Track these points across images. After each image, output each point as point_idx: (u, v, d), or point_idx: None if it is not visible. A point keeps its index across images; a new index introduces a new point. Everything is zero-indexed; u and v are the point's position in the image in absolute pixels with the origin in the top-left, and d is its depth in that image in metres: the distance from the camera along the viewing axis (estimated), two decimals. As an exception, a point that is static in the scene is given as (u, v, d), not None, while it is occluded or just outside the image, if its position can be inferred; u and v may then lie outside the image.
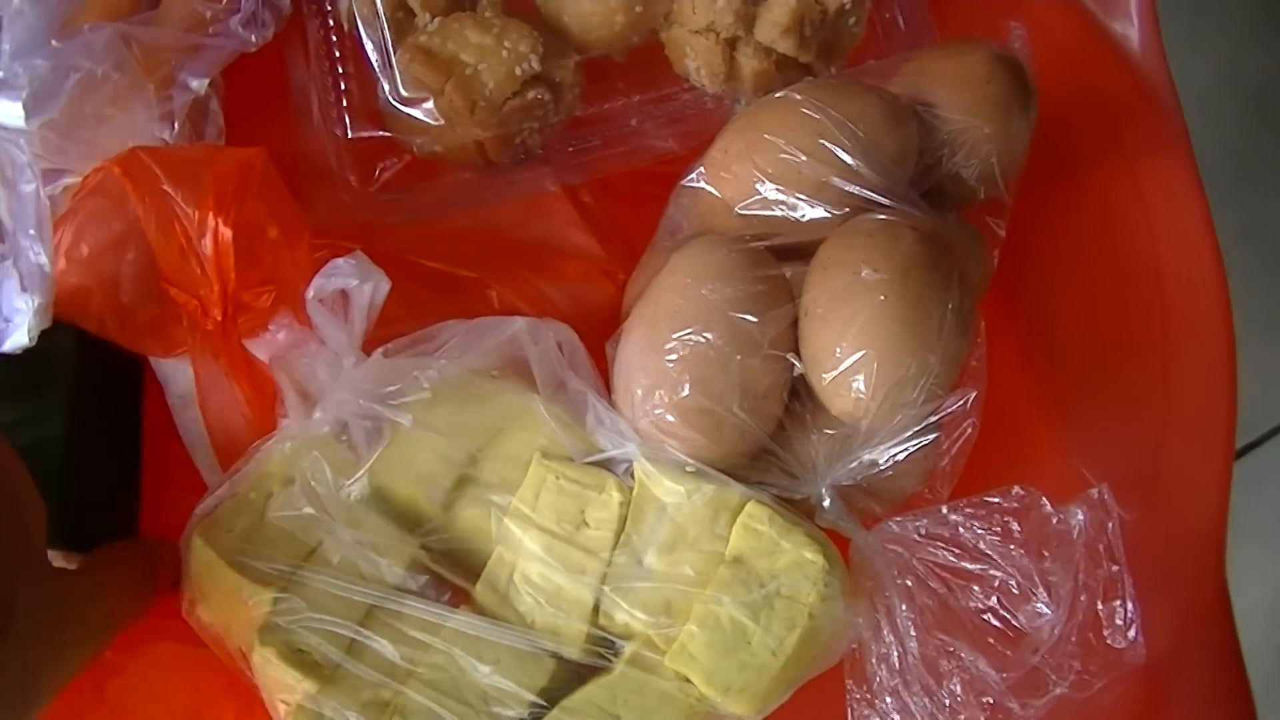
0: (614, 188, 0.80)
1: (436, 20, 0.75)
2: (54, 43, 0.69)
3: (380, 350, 0.68)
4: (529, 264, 0.77)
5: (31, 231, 0.65)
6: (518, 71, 0.74)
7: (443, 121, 0.74)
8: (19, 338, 0.64)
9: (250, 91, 0.77)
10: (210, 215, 0.65)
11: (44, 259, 0.65)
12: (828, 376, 0.62)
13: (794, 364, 0.64)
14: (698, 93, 0.79)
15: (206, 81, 0.73)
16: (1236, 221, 1.54)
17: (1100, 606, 0.64)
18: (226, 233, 0.65)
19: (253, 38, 0.75)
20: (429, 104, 0.74)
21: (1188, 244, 0.84)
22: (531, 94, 0.75)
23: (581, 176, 0.79)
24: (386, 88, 0.74)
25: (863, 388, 0.61)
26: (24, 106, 0.67)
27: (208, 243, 0.65)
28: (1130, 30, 0.87)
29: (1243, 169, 1.56)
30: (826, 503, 0.65)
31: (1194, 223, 0.84)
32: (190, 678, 0.68)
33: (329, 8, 0.78)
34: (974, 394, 0.65)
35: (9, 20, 0.69)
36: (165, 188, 0.66)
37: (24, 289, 0.65)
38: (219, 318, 0.67)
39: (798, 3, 0.74)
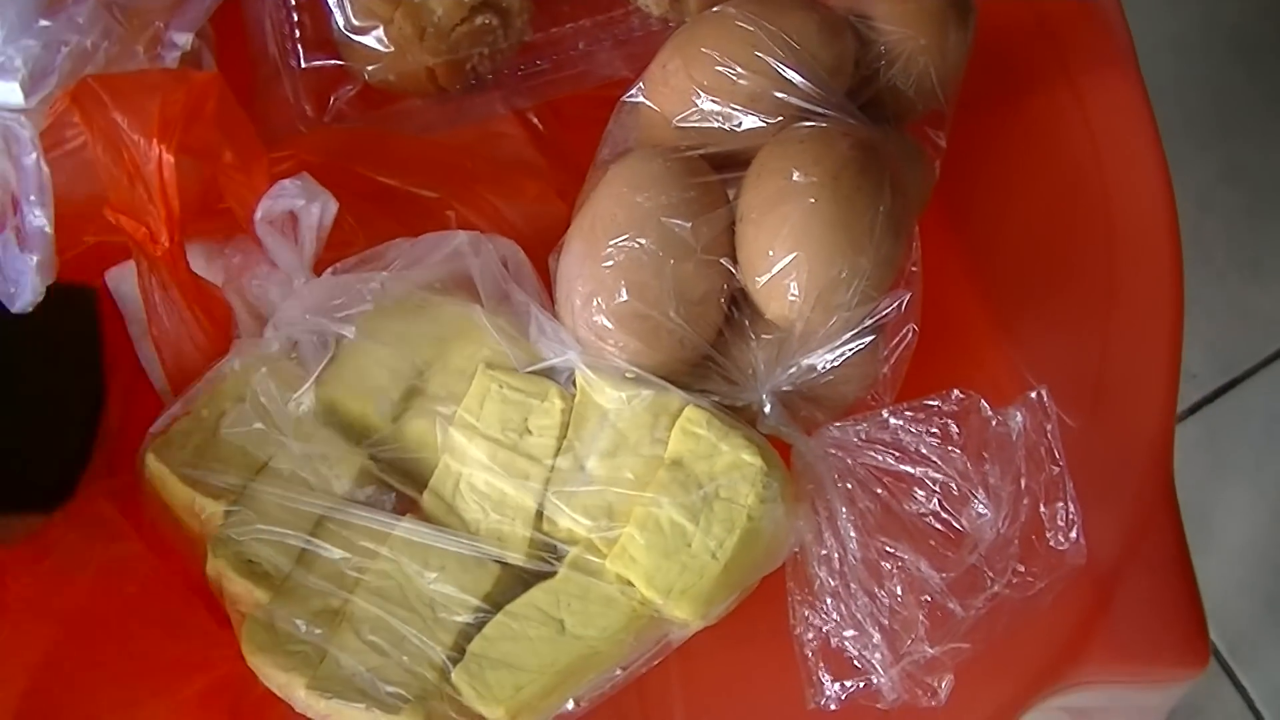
0: (565, 111, 0.81)
1: None
2: (42, 22, 0.71)
3: (330, 269, 0.69)
4: (486, 184, 0.77)
5: (33, 197, 0.67)
6: None
7: (393, 49, 0.75)
8: (25, 296, 0.66)
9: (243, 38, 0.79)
10: (155, 141, 0.66)
11: (44, 221, 0.66)
12: (761, 280, 0.63)
13: (729, 269, 0.64)
14: (645, 15, 0.80)
15: (191, 35, 0.75)
16: (1219, 162, 1.55)
17: (1042, 509, 0.64)
18: (170, 159, 0.66)
19: None
20: (380, 31, 0.75)
21: (1132, 154, 0.84)
22: (479, 20, 0.76)
23: (531, 100, 0.80)
24: (339, 17, 0.75)
25: (795, 290, 0.62)
26: (21, 87, 0.69)
27: (152, 168, 0.66)
28: None
29: (1223, 109, 1.56)
30: (767, 409, 0.65)
31: (1138, 133, 0.84)
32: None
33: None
34: (908, 296, 0.65)
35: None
36: (113, 114, 0.66)
37: (24, 249, 0.66)
38: (167, 244, 0.67)
39: None
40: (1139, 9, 1.56)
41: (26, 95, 0.69)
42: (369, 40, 0.75)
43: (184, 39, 0.75)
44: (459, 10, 0.75)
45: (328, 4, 0.76)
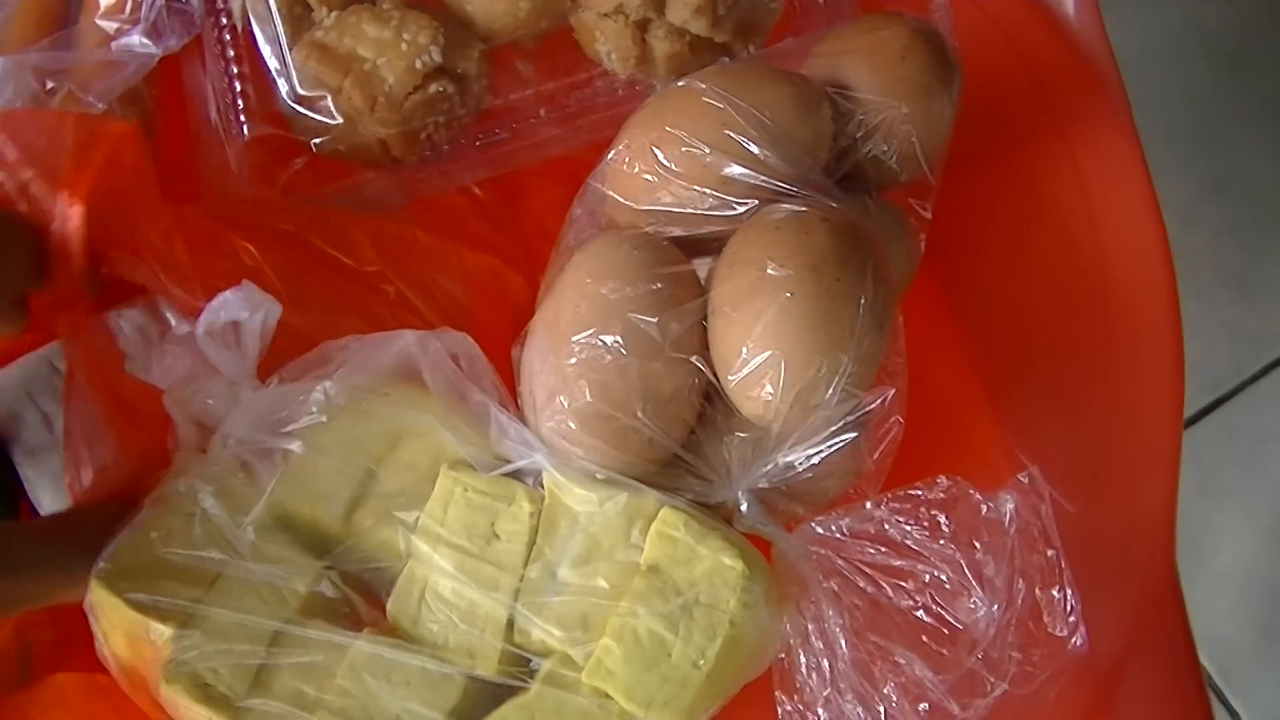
0: (518, 177, 0.77)
1: (334, 15, 0.72)
2: None
3: (275, 377, 0.65)
4: (429, 259, 0.74)
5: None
6: (418, 64, 0.70)
7: (343, 120, 0.71)
8: None
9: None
10: (65, 191, 0.62)
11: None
12: (734, 378, 0.59)
13: (699, 366, 0.60)
14: (611, 78, 0.76)
15: (102, 105, 0.72)
16: (1202, 176, 1.52)
17: (1039, 593, 0.62)
18: (79, 209, 0.62)
19: (157, 49, 0.73)
20: (328, 101, 0.71)
21: (1129, 222, 0.81)
22: (434, 87, 0.71)
23: (492, 172, 0.76)
24: (284, 87, 0.71)
25: (771, 390, 0.58)
26: None
27: (59, 219, 0.63)
28: None
29: (1207, 121, 1.53)
30: (744, 507, 0.62)
31: (1136, 199, 0.81)
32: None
33: (222, 5, 0.74)
34: (893, 392, 0.61)
35: None
36: (21, 171, 0.63)
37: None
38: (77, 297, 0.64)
39: None
40: (1116, 17, 1.54)
41: None
42: (317, 112, 0.71)
43: (101, 106, 0.72)
44: (412, 78, 0.71)
45: (270, 74, 0.72)
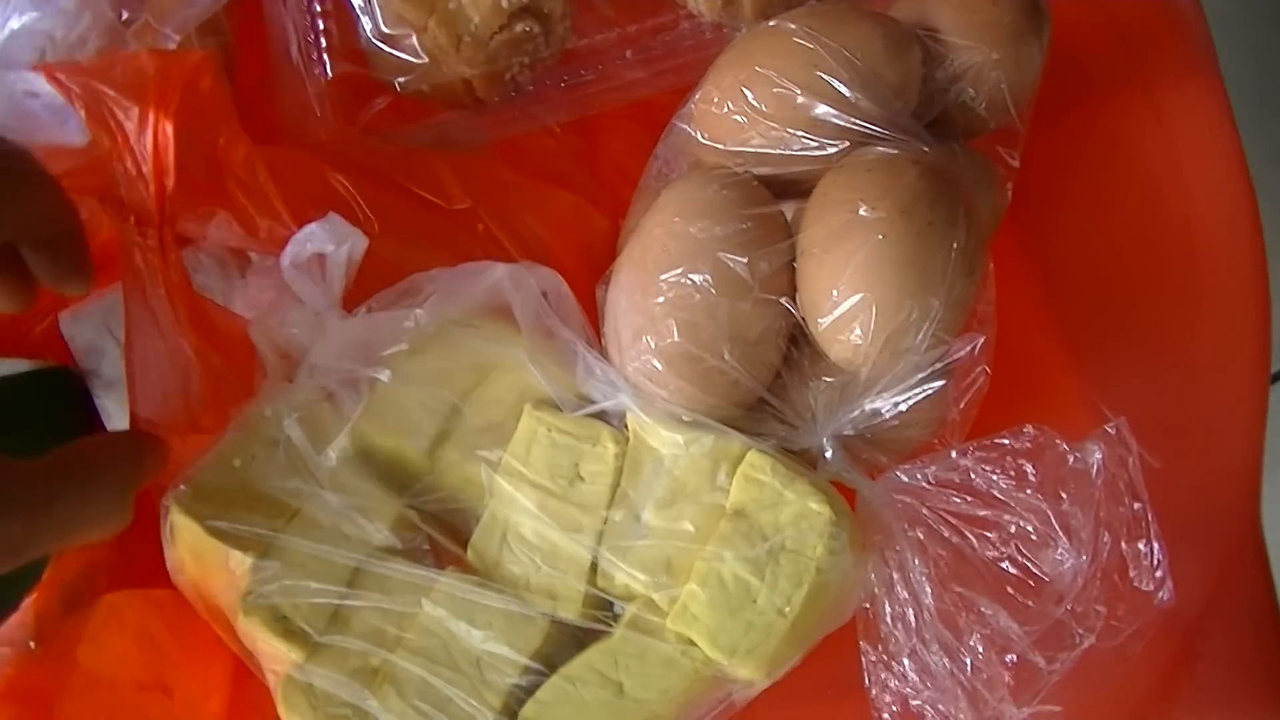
0: (598, 118, 0.75)
1: None
2: (29, 13, 0.67)
3: (364, 306, 0.64)
4: (517, 196, 0.72)
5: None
6: (504, 4, 0.69)
7: (427, 59, 0.70)
8: None
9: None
10: (151, 110, 0.60)
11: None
12: (824, 321, 0.58)
13: (788, 308, 0.59)
14: (696, 21, 0.74)
15: (178, 36, 0.69)
16: (1264, 143, 1.49)
17: (1125, 547, 0.60)
18: (168, 127, 0.60)
19: None
20: (413, 40, 0.69)
21: (1215, 173, 0.79)
22: (519, 27, 0.70)
23: (575, 114, 0.75)
24: (367, 25, 0.69)
25: (861, 333, 0.57)
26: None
27: (148, 139, 0.61)
28: None
29: (1269, 87, 1.50)
30: (829, 454, 0.60)
31: (1222, 156, 0.79)
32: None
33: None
34: (982, 340, 0.60)
35: None
36: (98, 85, 0.61)
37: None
38: (156, 228, 0.62)
39: None
40: None
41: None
42: (401, 50, 0.70)
43: (177, 37, 0.69)
44: (497, 17, 0.69)
45: (354, 9, 0.70)
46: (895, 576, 0.59)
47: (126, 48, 0.68)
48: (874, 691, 0.59)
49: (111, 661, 0.62)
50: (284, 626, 0.59)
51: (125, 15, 0.70)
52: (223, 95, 0.65)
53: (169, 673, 0.63)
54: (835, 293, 0.57)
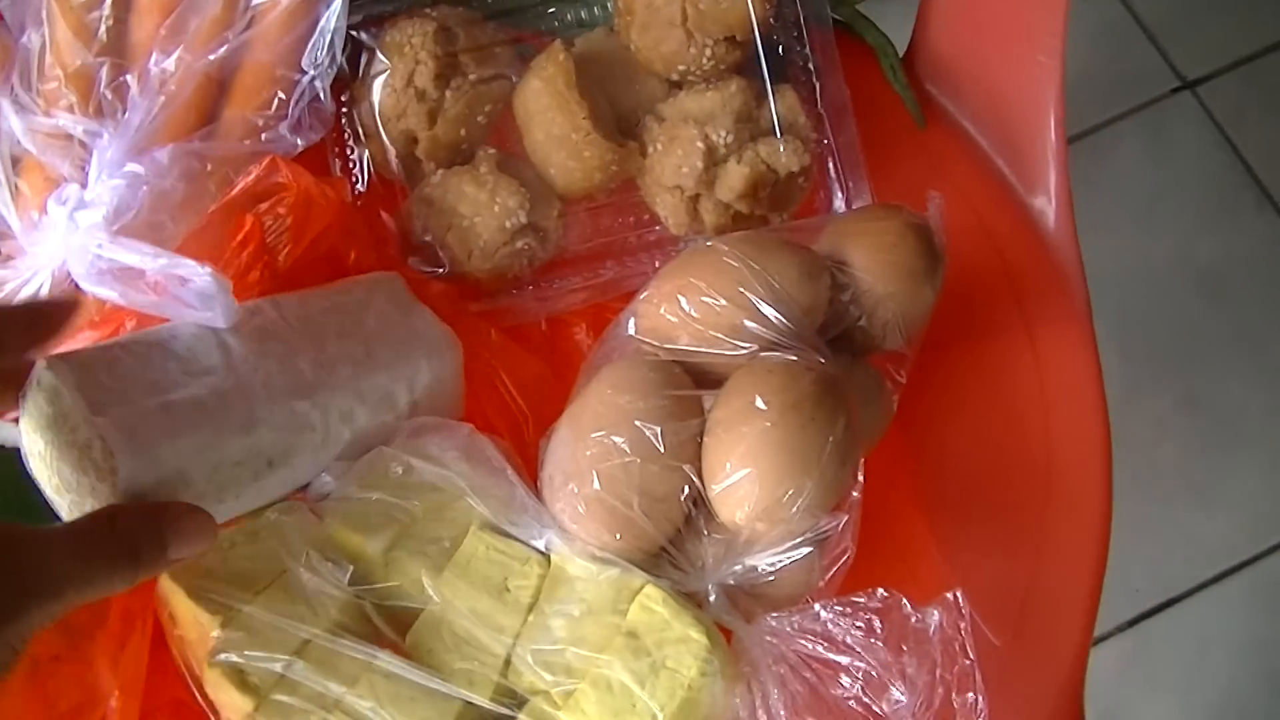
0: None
1: (440, 173, 0.83)
2: (130, 165, 0.79)
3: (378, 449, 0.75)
4: (498, 353, 0.84)
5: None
6: (508, 224, 0.81)
7: (449, 265, 0.83)
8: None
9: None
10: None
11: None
12: (717, 488, 0.67)
13: (691, 475, 0.69)
14: (664, 233, 0.86)
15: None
16: (1179, 392, 1.59)
17: (955, 696, 0.68)
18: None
19: (299, 141, 0.83)
20: (435, 250, 0.84)
21: (1076, 399, 0.88)
22: (520, 242, 0.82)
23: (563, 308, 0.87)
24: (404, 240, 0.84)
25: (746, 501, 0.67)
26: (104, 219, 0.77)
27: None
28: (1048, 207, 0.94)
29: (1190, 343, 1.59)
30: (713, 598, 0.69)
31: (1085, 386, 0.89)
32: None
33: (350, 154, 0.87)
34: (846, 519, 0.69)
35: (99, 152, 0.80)
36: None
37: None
38: None
39: (751, 170, 0.81)
40: (1116, 240, 1.64)
41: (108, 225, 0.77)
42: (428, 255, 0.84)
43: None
44: (502, 235, 0.82)
45: (392, 228, 0.85)
46: (758, 703, 0.67)
47: (208, 191, 0.81)
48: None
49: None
50: (241, 679, 0.68)
51: (209, 166, 0.82)
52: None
53: (83, 645, 0.70)
54: (729, 465, 0.67)
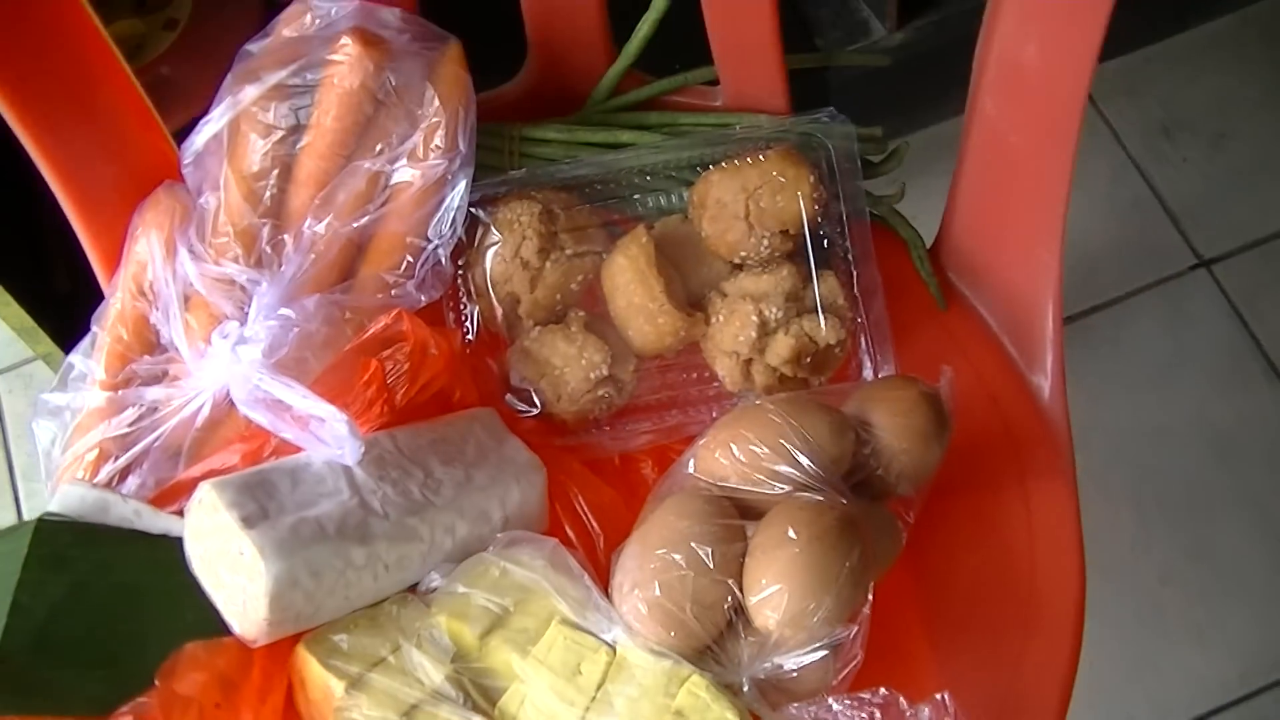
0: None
1: (537, 329, 0.99)
2: (282, 310, 0.92)
3: (479, 555, 0.90)
4: (578, 480, 0.98)
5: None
6: (592, 376, 0.97)
7: (540, 405, 0.98)
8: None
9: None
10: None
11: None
12: (754, 599, 0.80)
13: (734, 588, 0.82)
14: (720, 388, 1.01)
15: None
16: (1183, 544, 1.65)
17: None
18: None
19: (423, 297, 0.96)
20: (530, 392, 0.99)
21: (1060, 551, 0.98)
22: (601, 391, 0.97)
23: (633, 447, 1.01)
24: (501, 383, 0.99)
25: (776, 611, 0.80)
26: (261, 354, 0.89)
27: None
28: (1044, 383, 1.06)
29: (1195, 498, 1.66)
30: (746, 689, 0.82)
31: (1067, 536, 1.00)
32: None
33: (464, 309, 1.02)
34: (857, 630, 0.81)
35: (258, 297, 0.94)
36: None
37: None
38: None
39: (796, 341, 0.96)
40: (1135, 401, 1.72)
41: (264, 360, 0.88)
42: (524, 396, 1.00)
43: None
44: (586, 384, 0.97)
45: (491, 368, 1.00)
46: (780, 776, 0.80)
47: (345, 335, 0.95)
48: None
49: (194, 689, 0.78)
50: (362, 737, 0.82)
51: (348, 314, 0.96)
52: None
53: (234, 697, 0.80)
54: (764, 581, 0.80)
